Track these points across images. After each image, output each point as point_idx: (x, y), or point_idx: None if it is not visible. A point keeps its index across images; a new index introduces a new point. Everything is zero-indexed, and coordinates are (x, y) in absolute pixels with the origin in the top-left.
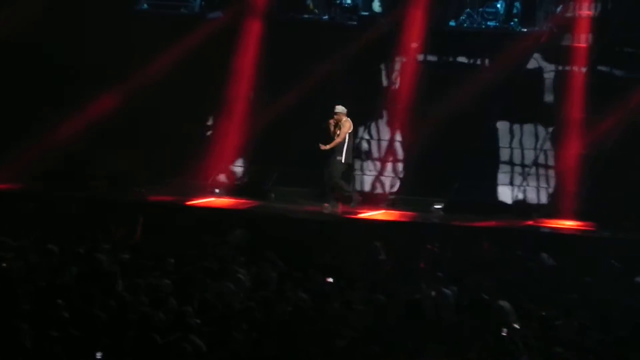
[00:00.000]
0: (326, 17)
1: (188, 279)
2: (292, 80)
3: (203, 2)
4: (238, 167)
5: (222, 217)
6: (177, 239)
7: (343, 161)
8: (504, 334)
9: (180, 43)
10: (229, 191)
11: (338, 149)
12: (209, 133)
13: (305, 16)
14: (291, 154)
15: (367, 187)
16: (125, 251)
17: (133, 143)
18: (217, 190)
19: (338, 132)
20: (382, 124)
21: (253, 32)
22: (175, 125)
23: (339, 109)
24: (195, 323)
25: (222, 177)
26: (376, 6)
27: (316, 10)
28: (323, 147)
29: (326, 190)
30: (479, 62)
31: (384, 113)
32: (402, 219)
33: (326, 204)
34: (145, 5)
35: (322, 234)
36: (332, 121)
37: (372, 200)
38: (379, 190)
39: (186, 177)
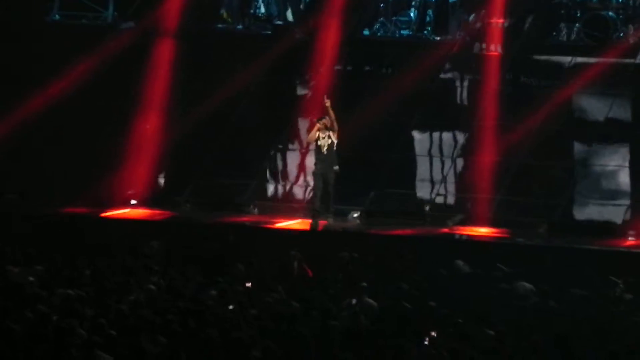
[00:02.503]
0: (240, 26)
1: (104, 290)
2: (208, 90)
3: (116, 13)
4: (153, 178)
5: (138, 228)
6: (92, 251)
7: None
8: (426, 343)
9: (93, 54)
10: (144, 202)
11: (333, 158)
12: (124, 144)
13: (220, 26)
14: (208, 164)
15: (283, 197)
16: (39, 263)
17: (47, 155)
18: (132, 202)
19: (328, 142)
20: (298, 133)
21: (167, 42)
22: (90, 136)
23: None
24: (111, 335)
25: (137, 188)
26: (290, 16)
27: (230, 20)
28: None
29: (327, 200)
30: (393, 70)
31: (300, 122)
32: (318, 228)
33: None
34: (57, 16)
35: (238, 244)
36: (319, 125)
37: (288, 209)
38: (295, 199)
39: (102, 189)
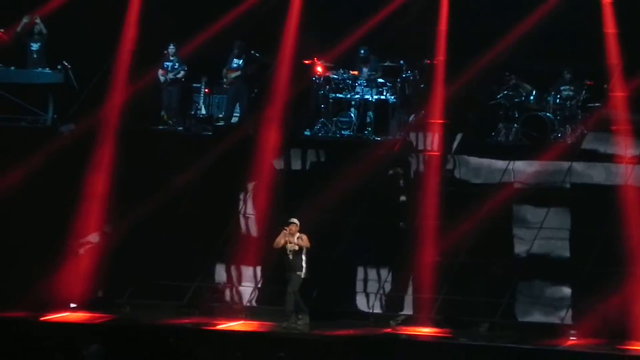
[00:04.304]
0: (181, 128)
1: None
2: (149, 191)
3: (55, 116)
4: (93, 281)
5: (77, 332)
6: (32, 355)
7: (302, 276)
8: None
9: (33, 157)
10: (84, 305)
11: (298, 264)
12: (64, 246)
13: (160, 127)
14: (148, 266)
15: (225, 298)
16: None
17: None
18: (72, 305)
19: (295, 248)
20: (241, 233)
21: (107, 143)
22: (29, 239)
23: (294, 221)
24: None
25: (77, 291)
26: (232, 117)
27: (170, 122)
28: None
29: (287, 307)
30: (335, 170)
31: (242, 222)
32: (261, 330)
33: (285, 323)
34: None
35: (179, 346)
36: (285, 232)
37: (230, 310)
38: (237, 300)
39: (42, 292)
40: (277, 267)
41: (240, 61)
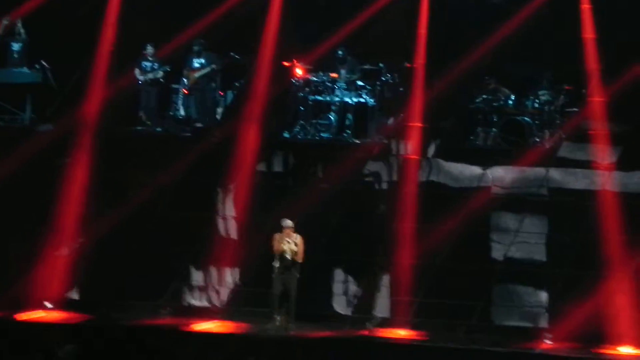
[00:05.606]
0: (159, 129)
1: None
2: (127, 192)
3: (33, 115)
4: (69, 281)
5: (53, 331)
6: (6, 354)
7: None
8: None
9: (9, 157)
10: (60, 305)
11: (296, 266)
12: (40, 245)
13: (139, 128)
14: (125, 266)
15: (201, 299)
16: None
17: None
18: (48, 305)
19: (294, 249)
20: (219, 234)
21: (85, 144)
22: (5, 238)
23: (289, 223)
24: None
25: (53, 291)
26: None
27: (149, 122)
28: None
29: (289, 306)
30: (313, 172)
31: (221, 224)
32: (237, 331)
33: (278, 317)
34: None
35: (157, 347)
36: (277, 236)
37: (206, 311)
38: (214, 301)
39: (17, 291)
40: (253, 269)
41: (202, 60)
